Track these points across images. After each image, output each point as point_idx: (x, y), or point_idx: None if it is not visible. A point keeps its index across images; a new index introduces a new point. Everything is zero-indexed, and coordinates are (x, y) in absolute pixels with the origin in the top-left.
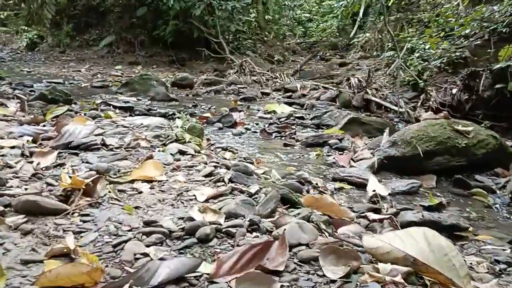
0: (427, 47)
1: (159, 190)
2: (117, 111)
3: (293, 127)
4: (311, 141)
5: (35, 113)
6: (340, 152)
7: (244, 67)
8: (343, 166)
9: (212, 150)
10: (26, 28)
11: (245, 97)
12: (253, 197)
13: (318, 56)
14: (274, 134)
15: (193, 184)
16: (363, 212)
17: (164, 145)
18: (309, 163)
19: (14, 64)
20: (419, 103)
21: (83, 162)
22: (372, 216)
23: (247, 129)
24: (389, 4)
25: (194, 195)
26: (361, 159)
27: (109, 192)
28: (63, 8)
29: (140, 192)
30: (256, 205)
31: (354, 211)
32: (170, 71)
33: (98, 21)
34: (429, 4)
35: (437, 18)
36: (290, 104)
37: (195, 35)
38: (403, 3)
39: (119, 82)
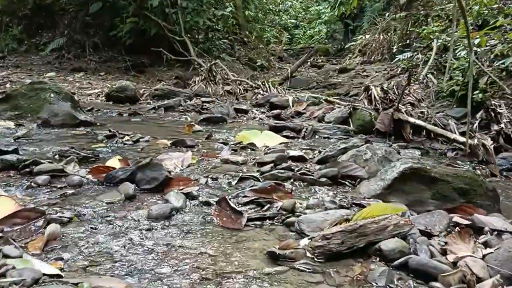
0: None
1: None
2: None
3: (288, 185)
4: (338, 245)
5: None
6: None
7: (214, 73)
8: None
9: None
10: None
11: (209, 117)
12: None
13: (309, 63)
14: (246, 214)
15: None
16: None
17: None
18: None
19: None
20: (475, 125)
21: None
22: None
23: (189, 196)
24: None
25: None
26: None
27: None
28: (13, 8)
29: None
30: None
31: None
32: (123, 79)
33: (52, 22)
34: None
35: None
36: (278, 129)
37: (152, 33)
38: None
39: None
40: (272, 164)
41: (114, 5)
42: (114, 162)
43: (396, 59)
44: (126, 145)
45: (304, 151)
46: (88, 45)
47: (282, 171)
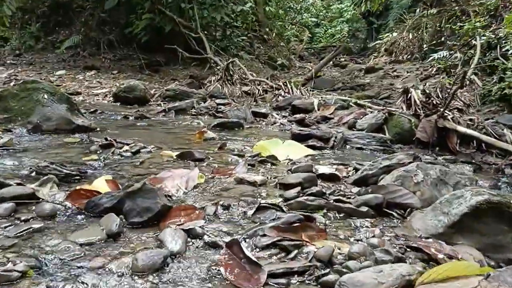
0: None
1: None
2: None
3: (320, 218)
4: None
5: None
6: None
7: (231, 72)
8: None
9: None
10: None
11: (224, 122)
12: None
13: (331, 62)
14: (267, 265)
15: None
16: None
17: None
18: None
19: None
20: None
21: None
22: None
23: (191, 234)
24: None
25: None
26: None
27: None
28: (32, 6)
29: None
30: None
31: None
32: (136, 78)
33: (69, 20)
34: None
35: None
36: (303, 137)
37: (167, 29)
38: None
39: None
40: (299, 188)
41: (130, 1)
42: (100, 184)
43: (431, 58)
44: (123, 158)
45: (335, 166)
46: (103, 42)
47: (312, 198)
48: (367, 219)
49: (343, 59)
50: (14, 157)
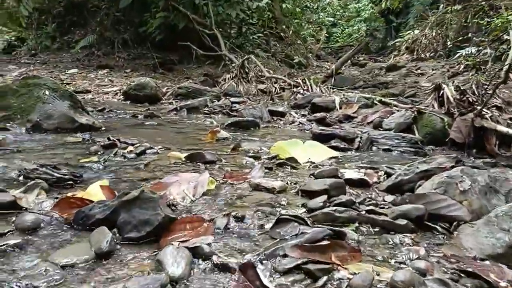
0: None
1: None
2: None
3: (351, 233)
4: None
5: None
6: None
7: (246, 70)
8: None
9: None
10: (4, 29)
11: (238, 121)
12: None
13: (349, 61)
14: None
15: None
16: None
17: None
18: None
19: None
20: None
21: None
22: None
23: (197, 254)
24: None
25: None
26: None
27: None
28: (48, 6)
29: None
30: None
31: None
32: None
33: (84, 20)
34: None
35: None
36: (325, 137)
37: (181, 26)
38: None
39: None
40: (324, 196)
41: (144, 0)
42: (96, 190)
43: (457, 54)
44: (126, 159)
45: (363, 170)
46: (117, 42)
47: (342, 208)
48: (406, 234)
49: (361, 58)
50: (4, 159)
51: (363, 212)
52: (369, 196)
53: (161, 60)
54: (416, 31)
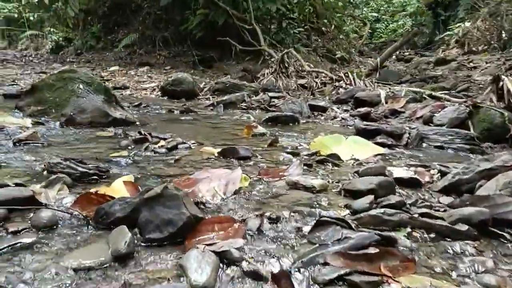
0: None
1: None
2: None
3: (402, 239)
4: None
5: None
6: None
7: (286, 64)
8: None
9: None
10: (53, 30)
11: (276, 116)
12: None
13: (394, 56)
14: None
15: None
16: None
17: None
18: None
19: None
20: None
21: None
22: None
23: (225, 259)
24: None
25: None
26: None
27: None
28: (93, 7)
29: None
30: None
31: None
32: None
33: (127, 19)
34: None
35: None
36: (369, 133)
37: (220, 22)
38: None
39: None
40: (371, 196)
41: None
42: (118, 186)
43: None
44: (157, 154)
45: (413, 169)
46: (158, 40)
47: (391, 210)
48: (468, 242)
49: (407, 53)
50: (34, 152)
51: (416, 215)
52: (422, 197)
53: (200, 57)
54: (467, 24)
